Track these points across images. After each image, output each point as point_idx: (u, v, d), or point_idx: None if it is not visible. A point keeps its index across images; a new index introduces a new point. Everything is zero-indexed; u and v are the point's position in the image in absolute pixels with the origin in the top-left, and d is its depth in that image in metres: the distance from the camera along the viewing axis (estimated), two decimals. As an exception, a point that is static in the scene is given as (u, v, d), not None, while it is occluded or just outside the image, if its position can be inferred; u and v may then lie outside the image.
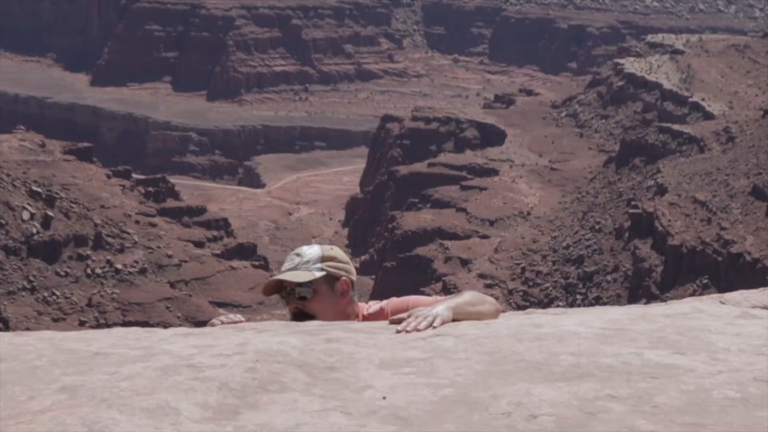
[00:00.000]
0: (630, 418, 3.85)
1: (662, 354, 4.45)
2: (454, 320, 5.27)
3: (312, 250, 5.87)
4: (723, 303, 7.26)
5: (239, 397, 4.10)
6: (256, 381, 4.24)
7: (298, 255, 5.81)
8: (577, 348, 4.53)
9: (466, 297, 5.54)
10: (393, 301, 5.87)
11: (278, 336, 4.87)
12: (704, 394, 4.05)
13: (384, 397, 4.08)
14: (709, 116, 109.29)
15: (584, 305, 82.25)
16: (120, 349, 4.70)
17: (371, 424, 3.88)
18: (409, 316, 5.29)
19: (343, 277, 5.75)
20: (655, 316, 5.11)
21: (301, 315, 5.65)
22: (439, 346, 4.70)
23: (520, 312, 7.07)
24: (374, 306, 5.91)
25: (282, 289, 5.71)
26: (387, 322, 5.36)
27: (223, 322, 5.50)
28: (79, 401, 4.03)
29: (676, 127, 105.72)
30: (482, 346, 4.63)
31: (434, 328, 5.13)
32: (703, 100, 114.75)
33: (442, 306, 5.39)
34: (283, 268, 5.77)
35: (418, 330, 5.13)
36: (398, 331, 5.16)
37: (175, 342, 4.80)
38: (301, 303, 5.65)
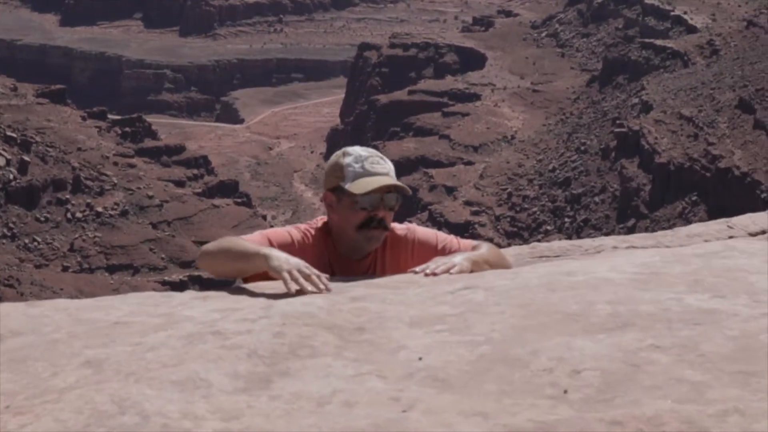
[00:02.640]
0: (677, 369, 3.71)
1: (702, 298, 4.31)
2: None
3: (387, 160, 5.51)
4: (731, 227, 7.17)
5: (270, 365, 3.95)
6: (286, 346, 4.10)
7: (383, 159, 5.40)
8: (614, 296, 4.38)
9: (485, 252, 5.43)
10: (420, 232, 5.59)
11: (302, 297, 4.72)
12: (751, 339, 3.92)
13: (420, 358, 3.95)
14: (692, 30, 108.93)
15: (573, 228, 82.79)
16: (140, 317, 4.55)
17: (410, 387, 3.74)
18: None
19: None
20: (687, 256, 4.97)
21: (376, 223, 5.31)
22: (469, 299, 4.54)
23: (525, 247, 6.95)
24: (396, 225, 5.60)
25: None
26: (409, 273, 5.23)
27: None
28: (105, 376, 3.89)
29: (658, 42, 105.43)
30: (515, 298, 4.48)
31: (450, 274, 5.08)
32: (685, 13, 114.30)
33: (462, 256, 5.29)
34: (375, 170, 5.31)
35: (435, 274, 5.07)
36: (416, 272, 5.13)
37: (195, 306, 4.65)
38: (388, 213, 5.36)
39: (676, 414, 3.36)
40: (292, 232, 5.40)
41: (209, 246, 5.23)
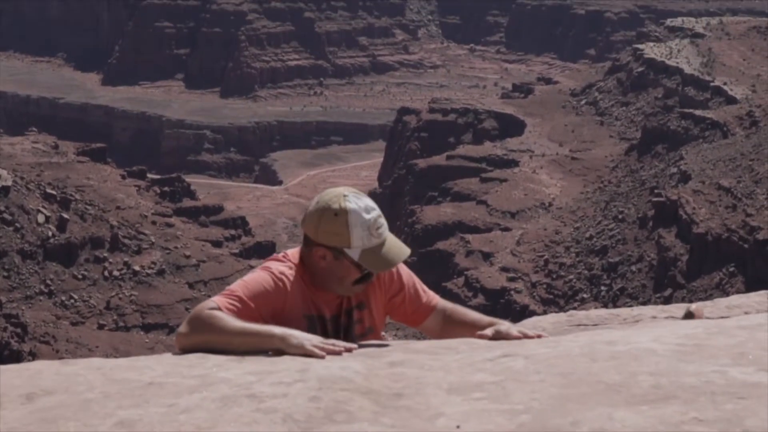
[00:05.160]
0: (721, 444, 3.63)
1: (746, 372, 4.21)
2: None
3: None
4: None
5: (305, 429, 3.89)
6: (321, 411, 4.03)
7: (380, 213, 5.30)
8: (656, 367, 4.30)
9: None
10: (406, 274, 5.57)
11: (339, 361, 4.66)
12: (797, 415, 3.82)
13: (458, 426, 3.88)
14: (731, 100, 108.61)
15: (609, 297, 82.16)
16: (174, 378, 4.49)
17: (448, 456, 3.67)
18: (495, 332, 5.23)
19: None
20: (731, 328, 4.86)
21: (371, 277, 5.29)
22: (509, 367, 4.47)
23: (563, 314, 6.86)
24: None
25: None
26: (446, 341, 5.20)
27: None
28: (137, 438, 3.84)
29: (698, 112, 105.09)
30: (555, 366, 4.40)
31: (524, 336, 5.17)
32: (725, 84, 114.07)
33: (509, 324, 5.35)
34: (381, 235, 5.21)
35: (528, 336, 5.15)
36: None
37: (231, 368, 4.59)
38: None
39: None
40: (265, 280, 5.18)
41: (189, 327, 4.94)
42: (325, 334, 5.10)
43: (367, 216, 5.19)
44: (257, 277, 5.22)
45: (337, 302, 5.33)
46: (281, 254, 5.44)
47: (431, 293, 5.60)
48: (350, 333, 5.31)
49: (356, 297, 5.37)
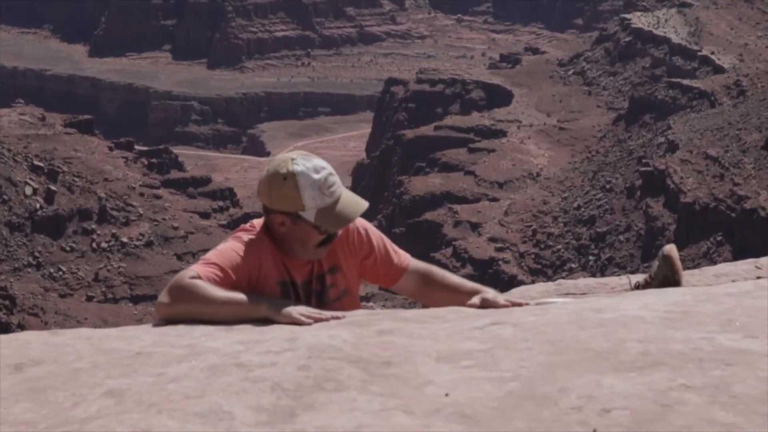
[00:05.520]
0: (709, 410, 3.65)
1: (734, 338, 4.23)
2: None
3: None
4: (759, 267, 7.08)
5: (294, 398, 3.90)
6: (311, 380, 4.04)
7: (331, 171, 5.23)
8: (644, 334, 4.31)
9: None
10: (376, 236, 5.56)
11: (328, 329, 4.67)
12: (785, 381, 3.85)
13: (447, 394, 3.89)
14: (719, 70, 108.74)
15: (597, 266, 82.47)
16: (162, 347, 4.49)
17: (436, 423, 3.69)
18: (482, 300, 5.26)
19: None
20: (718, 296, 4.88)
21: (334, 237, 5.28)
22: (497, 335, 4.48)
23: (551, 284, 6.88)
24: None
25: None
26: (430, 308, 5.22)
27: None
28: (126, 406, 3.85)
29: (685, 81, 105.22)
30: (543, 334, 4.41)
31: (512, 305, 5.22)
32: (712, 53, 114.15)
33: (494, 292, 5.38)
34: (334, 193, 5.19)
35: (519, 304, 5.21)
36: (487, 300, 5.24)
37: (219, 338, 4.60)
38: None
39: (708, 456, 3.30)
40: (239, 248, 5.18)
41: (170, 297, 4.91)
42: (297, 301, 5.11)
43: (316, 176, 5.17)
44: (231, 246, 5.22)
45: (307, 268, 5.32)
46: (248, 224, 5.45)
47: (403, 254, 5.61)
48: (324, 298, 5.31)
49: (328, 261, 5.37)
